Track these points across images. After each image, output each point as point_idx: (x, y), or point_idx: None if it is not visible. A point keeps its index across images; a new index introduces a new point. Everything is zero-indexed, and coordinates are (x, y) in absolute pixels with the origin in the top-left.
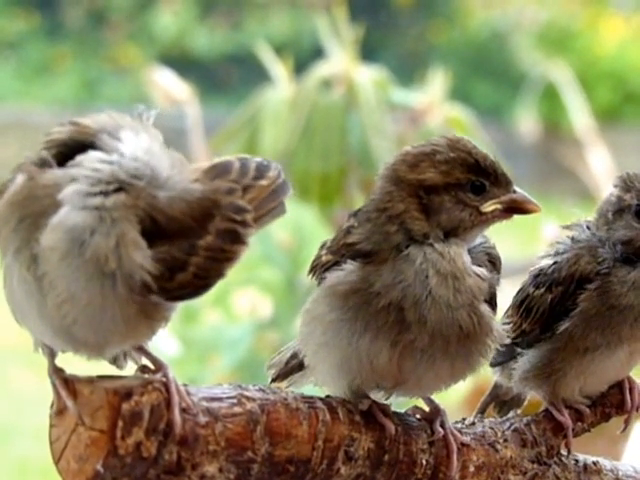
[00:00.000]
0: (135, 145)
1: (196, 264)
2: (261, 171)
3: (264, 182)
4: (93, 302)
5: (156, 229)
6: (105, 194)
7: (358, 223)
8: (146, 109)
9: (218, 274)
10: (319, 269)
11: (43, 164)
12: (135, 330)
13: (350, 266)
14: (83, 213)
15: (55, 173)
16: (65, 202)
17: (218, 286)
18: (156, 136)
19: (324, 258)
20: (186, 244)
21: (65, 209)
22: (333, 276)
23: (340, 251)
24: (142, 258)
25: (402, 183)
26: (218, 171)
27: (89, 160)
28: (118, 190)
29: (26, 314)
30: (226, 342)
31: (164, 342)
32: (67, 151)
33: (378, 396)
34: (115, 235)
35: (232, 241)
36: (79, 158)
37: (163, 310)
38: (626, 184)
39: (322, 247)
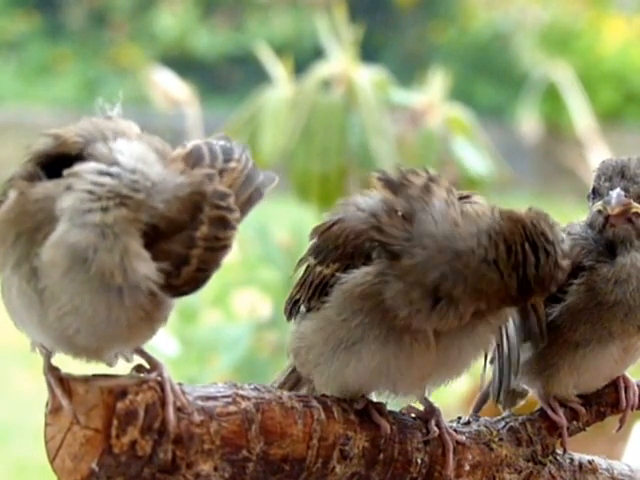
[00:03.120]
0: (131, 155)
1: (198, 256)
2: (228, 153)
3: (233, 164)
4: (99, 314)
5: (157, 233)
6: (105, 210)
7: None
8: (105, 102)
9: (216, 264)
10: (323, 282)
11: (32, 177)
12: (138, 334)
13: (365, 268)
14: (84, 230)
15: (45, 186)
16: (63, 217)
17: (218, 286)
18: (131, 128)
19: (326, 271)
20: (185, 238)
21: (64, 225)
22: (349, 278)
23: (347, 255)
24: (146, 268)
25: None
26: (195, 158)
27: (87, 171)
28: (119, 205)
29: (26, 323)
30: (225, 342)
31: (163, 342)
32: (51, 162)
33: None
34: (119, 250)
35: (224, 227)
36: (75, 168)
37: (164, 310)
38: (597, 170)
39: (308, 263)
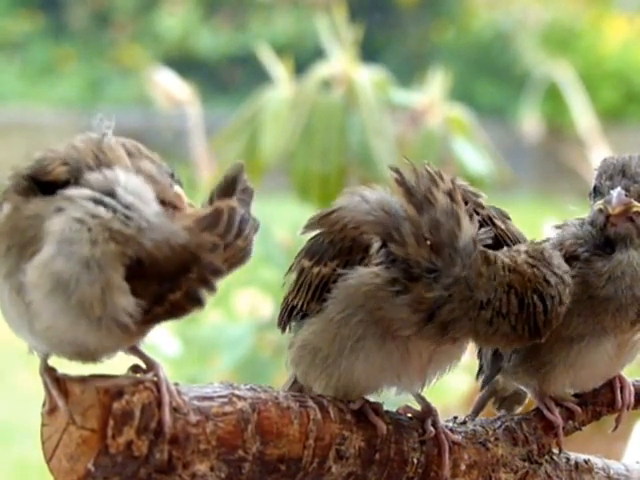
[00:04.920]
0: (127, 188)
1: (156, 313)
2: (241, 228)
3: (240, 243)
4: (77, 335)
5: (139, 268)
6: (94, 243)
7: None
8: (104, 117)
9: (162, 322)
10: (323, 282)
11: (27, 192)
12: (126, 342)
13: (374, 269)
14: (69, 261)
15: (37, 203)
16: (50, 240)
17: (219, 286)
18: (121, 158)
19: (325, 270)
20: (157, 293)
21: (50, 250)
22: (355, 275)
23: (345, 250)
24: (126, 302)
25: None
26: (209, 222)
27: (82, 197)
28: (108, 239)
29: (19, 329)
30: (227, 342)
31: (165, 342)
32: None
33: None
34: (100, 283)
35: (196, 302)
36: (70, 192)
37: (142, 331)
38: (598, 168)
39: (302, 266)
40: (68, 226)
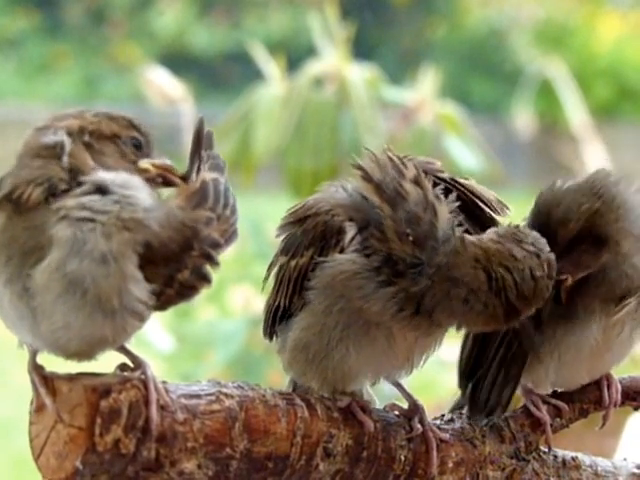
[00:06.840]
0: (114, 182)
1: (168, 296)
2: (227, 197)
3: (228, 212)
4: (90, 331)
5: (149, 253)
6: (108, 236)
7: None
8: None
9: (175, 305)
10: (302, 272)
11: (18, 202)
12: (127, 337)
13: (352, 256)
14: (82, 260)
15: (33, 216)
16: (60, 245)
17: (212, 282)
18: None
19: (302, 260)
20: (166, 275)
21: (60, 254)
22: (334, 263)
23: (318, 236)
24: (139, 291)
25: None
26: (199, 199)
27: (82, 201)
28: (121, 229)
29: (18, 329)
30: (220, 338)
31: (158, 338)
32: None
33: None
34: (116, 275)
35: (203, 279)
36: (68, 202)
37: (148, 317)
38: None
39: (280, 263)
40: (78, 228)
